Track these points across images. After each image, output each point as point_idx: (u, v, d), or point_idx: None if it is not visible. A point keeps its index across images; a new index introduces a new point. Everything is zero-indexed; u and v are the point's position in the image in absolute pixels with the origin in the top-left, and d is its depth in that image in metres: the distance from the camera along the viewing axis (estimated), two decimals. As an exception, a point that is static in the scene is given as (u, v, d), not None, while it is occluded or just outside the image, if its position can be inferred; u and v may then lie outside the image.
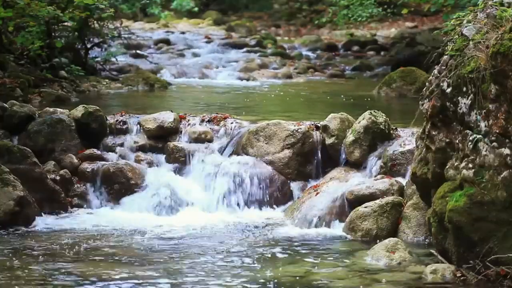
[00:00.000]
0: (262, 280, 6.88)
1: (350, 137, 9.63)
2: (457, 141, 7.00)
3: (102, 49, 17.08)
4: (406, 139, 9.46)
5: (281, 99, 14.85)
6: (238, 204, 9.58)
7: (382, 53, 23.32)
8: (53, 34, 15.10)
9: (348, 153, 9.63)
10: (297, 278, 6.96)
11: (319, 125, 9.99)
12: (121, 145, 10.27)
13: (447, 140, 7.12)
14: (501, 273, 6.61)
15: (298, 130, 9.91)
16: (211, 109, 12.02)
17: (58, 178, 9.63)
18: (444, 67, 7.11)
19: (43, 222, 8.96)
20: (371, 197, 8.71)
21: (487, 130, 6.69)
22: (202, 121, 10.57)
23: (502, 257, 6.59)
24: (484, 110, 6.70)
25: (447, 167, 7.09)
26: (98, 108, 10.43)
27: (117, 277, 6.92)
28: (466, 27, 6.99)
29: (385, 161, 9.31)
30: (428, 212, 7.42)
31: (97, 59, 16.77)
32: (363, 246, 7.99)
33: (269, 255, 7.71)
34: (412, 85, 14.41)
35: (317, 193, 9.24)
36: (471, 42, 6.83)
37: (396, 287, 6.75)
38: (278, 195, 9.67)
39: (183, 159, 10.02)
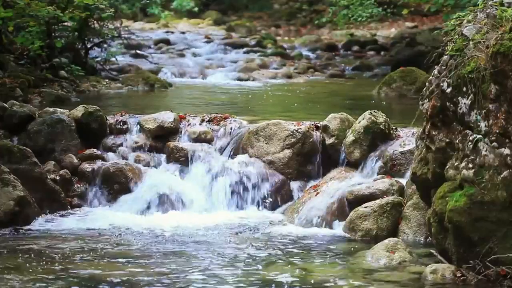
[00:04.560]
0: (261, 280, 6.87)
1: (350, 137, 9.63)
2: (457, 141, 6.99)
3: (102, 49, 17.07)
4: (406, 139, 9.46)
5: (281, 99, 14.84)
6: (238, 204, 9.57)
7: (382, 53, 23.33)
8: (53, 34, 15.09)
9: (348, 153, 9.62)
10: (297, 278, 6.95)
11: (319, 125, 9.99)
12: (121, 145, 10.27)
13: (447, 140, 7.11)
14: (501, 273, 6.61)
15: (298, 130, 9.91)
16: (211, 109, 12.01)
17: (58, 178, 9.64)
18: (444, 67, 7.10)
19: (43, 222, 8.96)
20: (371, 197, 8.70)
21: (487, 130, 6.69)
22: (202, 121, 10.56)
23: (502, 257, 6.59)
24: (484, 110, 6.70)
25: (447, 167, 7.08)
26: (98, 108, 10.43)
27: (116, 276, 6.91)
28: (466, 27, 6.98)
29: (385, 161, 9.30)
30: (428, 212, 7.42)
31: (97, 59, 16.76)
32: (363, 246, 7.98)
33: (269, 255, 7.70)
34: (412, 85, 14.41)
35: (317, 193, 9.24)
36: (471, 42, 6.82)
37: (396, 287, 6.75)
38: (278, 195, 9.66)
39: (183, 159, 10.02)
